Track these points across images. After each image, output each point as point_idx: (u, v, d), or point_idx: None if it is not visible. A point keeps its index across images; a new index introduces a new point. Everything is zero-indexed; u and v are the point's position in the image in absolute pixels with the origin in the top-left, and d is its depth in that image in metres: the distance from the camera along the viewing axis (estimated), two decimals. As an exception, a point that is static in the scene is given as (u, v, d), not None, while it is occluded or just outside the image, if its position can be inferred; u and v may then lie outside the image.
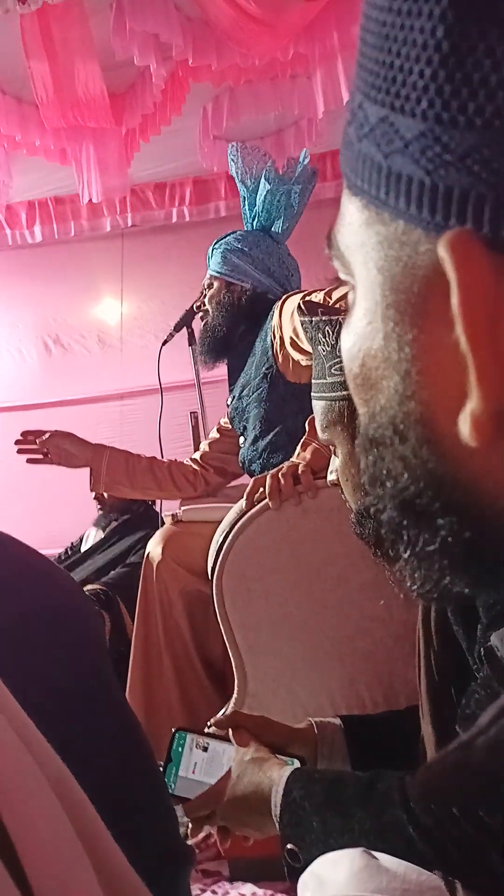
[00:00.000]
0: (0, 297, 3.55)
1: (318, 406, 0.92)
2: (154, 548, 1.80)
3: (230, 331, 1.94)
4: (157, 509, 2.44)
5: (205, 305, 2.00)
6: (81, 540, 2.76)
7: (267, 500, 1.37)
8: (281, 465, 1.44)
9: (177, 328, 2.21)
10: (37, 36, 2.03)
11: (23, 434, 1.97)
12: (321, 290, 1.54)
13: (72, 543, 2.81)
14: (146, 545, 1.87)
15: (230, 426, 2.05)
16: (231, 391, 2.01)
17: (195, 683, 1.75)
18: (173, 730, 1.01)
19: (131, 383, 3.38)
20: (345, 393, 0.85)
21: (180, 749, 0.99)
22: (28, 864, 0.30)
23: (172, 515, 1.90)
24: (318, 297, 1.47)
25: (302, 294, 1.71)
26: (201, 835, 1.20)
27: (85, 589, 2.19)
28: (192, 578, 1.75)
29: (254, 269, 1.92)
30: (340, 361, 0.85)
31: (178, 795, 0.95)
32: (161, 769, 0.97)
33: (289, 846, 0.79)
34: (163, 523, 1.96)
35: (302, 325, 0.97)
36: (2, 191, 2.91)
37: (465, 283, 0.26)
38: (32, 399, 3.52)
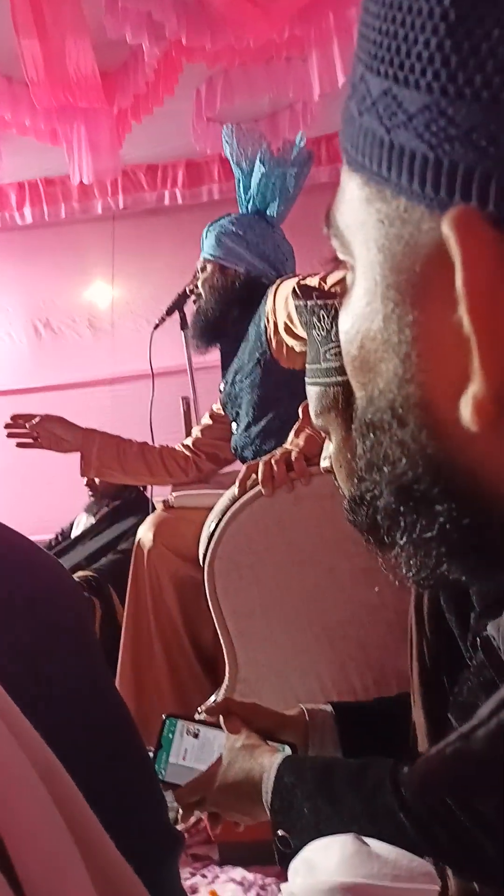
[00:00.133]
0: (-11, 280, 3.52)
1: (312, 392, 0.91)
2: (145, 534, 1.80)
3: (223, 315, 1.92)
4: (148, 495, 2.43)
5: (197, 289, 1.98)
6: (72, 525, 2.75)
7: (259, 486, 1.37)
8: (274, 452, 1.43)
9: (169, 312, 2.20)
10: (27, 13, 1.99)
11: (13, 418, 1.96)
12: (316, 274, 1.53)
13: (62, 529, 2.80)
14: (137, 532, 1.86)
15: (222, 412, 2.04)
16: (224, 377, 2.00)
17: (186, 669, 1.76)
18: (164, 716, 1.01)
19: (122, 368, 3.36)
20: (339, 378, 0.84)
21: (171, 735, 0.99)
22: (15, 853, 0.30)
23: (164, 501, 1.90)
24: (313, 282, 1.45)
25: (296, 278, 1.70)
26: (192, 820, 1.20)
27: (76, 575, 2.18)
28: (184, 564, 1.75)
29: (248, 253, 1.90)
30: (335, 346, 0.84)
31: (169, 782, 0.95)
32: (151, 755, 0.97)
33: (280, 832, 0.79)
34: (154, 509, 1.95)
35: (296, 309, 0.96)
36: (-9, 172, 2.87)
37: (470, 262, 0.25)
38: (22, 383, 3.50)
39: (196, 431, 2.12)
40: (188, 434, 2.24)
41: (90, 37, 2.07)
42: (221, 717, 0.97)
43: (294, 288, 0.96)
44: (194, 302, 2.03)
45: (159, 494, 2.13)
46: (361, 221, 0.30)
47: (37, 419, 1.94)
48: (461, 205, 0.25)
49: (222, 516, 1.40)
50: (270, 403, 1.80)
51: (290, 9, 2.10)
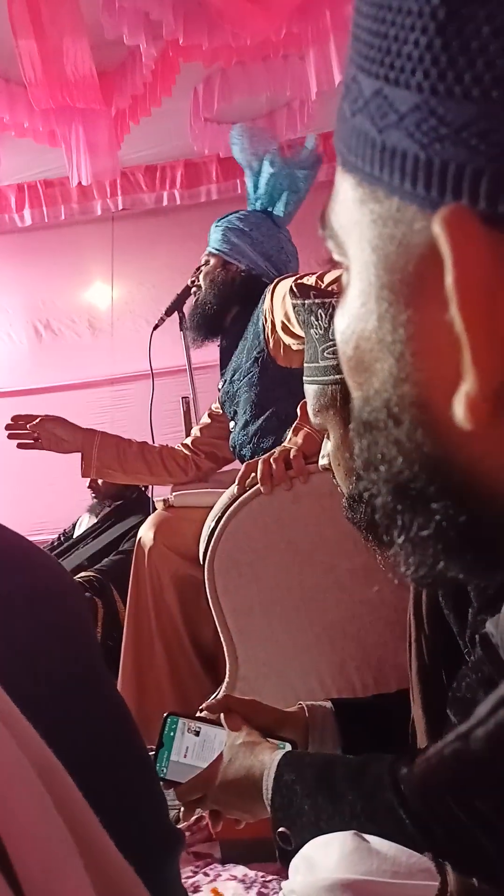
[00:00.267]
0: (-11, 282, 3.51)
1: (310, 390, 0.91)
2: (146, 533, 1.80)
3: (220, 309, 1.93)
4: (149, 495, 2.44)
5: (198, 281, 1.98)
6: (74, 526, 2.76)
7: (258, 484, 1.37)
8: (272, 450, 1.44)
9: (168, 312, 2.20)
10: (24, 13, 1.99)
11: (13, 419, 1.95)
12: (313, 273, 1.53)
13: (64, 530, 2.80)
14: (138, 531, 1.87)
15: (221, 411, 2.05)
16: (222, 375, 2.00)
17: (187, 668, 1.76)
18: (165, 714, 1.01)
19: (122, 368, 3.36)
20: (337, 377, 0.85)
21: (172, 733, 0.99)
22: (14, 853, 0.30)
23: (164, 500, 1.90)
24: (310, 281, 1.46)
25: (294, 277, 1.70)
26: (193, 818, 1.20)
27: (78, 576, 2.19)
28: (184, 563, 1.75)
29: (251, 251, 1.90)
30: (333, 345, 0.84)
31: (170, 779, 0.95)
32: (153, 754, 0.97)
33: (280, 829, 0.79)
34: (154, 509, 1.96)
35: (294, 308, 0.96)
36: (-10, 173, 2.88)
37: (460, 261, 0.25)
38: (22, 384, 3.50)
39: (195, 431, 2.13)
40: (188, 434, 2.24)
41: (88, 37, 2.07)
42: (222, 715, 0.97)
43: (291, 287, 0.96)
44: (194, 294, 2.03)
45: (160, 494, 2.13)
46: (355, 222, 0.30)
47: (37, 420, 1.94)
48: (452, 203, 0.25)
49: (222, 515, 1.40)
50: (268, 401, 1.80)
51: (287, 6, 2.10)
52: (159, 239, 3.37)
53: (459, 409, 0.27)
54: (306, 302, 0.89)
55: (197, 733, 0.99)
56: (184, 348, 2.34)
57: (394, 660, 1.29)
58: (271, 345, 1.78)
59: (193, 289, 2.03)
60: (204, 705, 1.02)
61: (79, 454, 1.98)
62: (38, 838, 0.32)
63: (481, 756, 0.29)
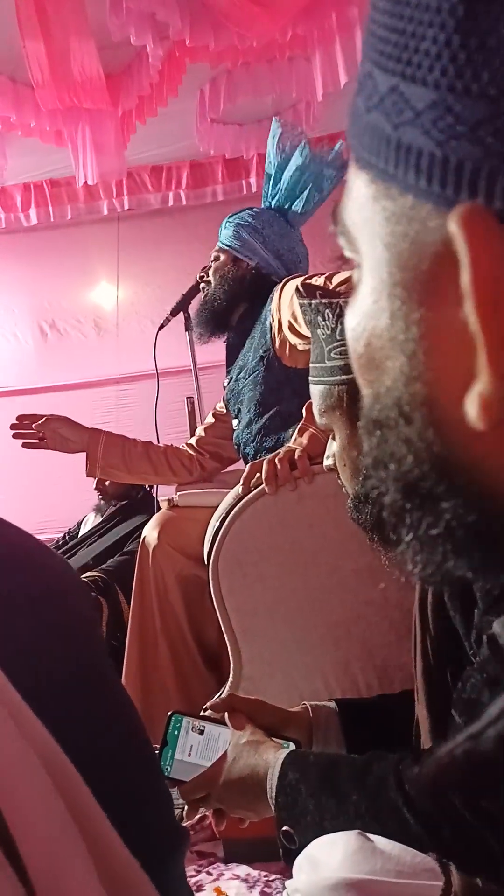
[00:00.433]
0: (-5, 282, 3.52)
1: (316, 391, 0.91)
2: (150, 532, 1.80)
3: (229, 305, 1.92)
4: (154, 494, 2.44)
5: (207, 276, 1.97)
6: (79, 525, 2.76)
7: (263, 485, 1.37)
8: (278, 451, 1.44)
9: (173, 312, 2.20)
10: (32, 15, 2.00)
11: (18, 418, 1.95)
12: (322, 274, 1.53)
13: (69, 529, 2.81)
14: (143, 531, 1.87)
15: (225, 411, 2.05)
16: (228, 373, 2.00)
17: (191, 667, 1.76)
18: (169, 713, 1.01)
19: (127, 368, 3.37)
20: (344, 377, 0.85)
21: (176, 732, 0.99)
22: (22, 845, 0.30)
23: (169, 500, 1.90)
24: (318, 281, 1.45)
25: (302, 278, 1.70)
26: (196, 817, 1.21)
27: (83, 576, 2.19)
28: (189, 563, 1.75)
29: (262, 249, 1.89)
30: (340, 345, 0.84)
31: (174, 778, 0.96)
32: (157, 752, 0.97)
33: (284, 828, 0.79)
34: (159, 508, 1.96)
35: (301, 307, 0.96)
36: (-3, 173, 2.88)
37: (477, 259, 0.25)
38: (28, 384, 3.51)
39: (199, 431, 2.13)
40: (192, 434, 2.24)
41: (94, 38, 2.08)
42: (226, 714, 0.97)
43: (298, 286, 0.96)
44: (202, 290, 2.02)
45: (164, 494, 2.14)
46: (368, 219, 0.30)
47: (42, 419, 1.94)
48: (468, 202, 0.25)
49: (227, 515, 1.40)
50: (272, 400, 1.80)
51: (293, 8, 2.10)
52: (165, 239, 3.38)
53: (472, 409, 0.27)
54: (313, 302, 0.89)
55: (201, 732, 0.99)
56: (189, 348, 2.34)
57: (398, 660, 1.29)
58: (277, 344, 1.78)
59: (202, 285, 2.02)
60: (208, 704, 1.02)
61: (84, 454, 1.98)
62: (47, 832, 0.32)
63: (493, 756, 0.29)
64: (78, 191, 3.16)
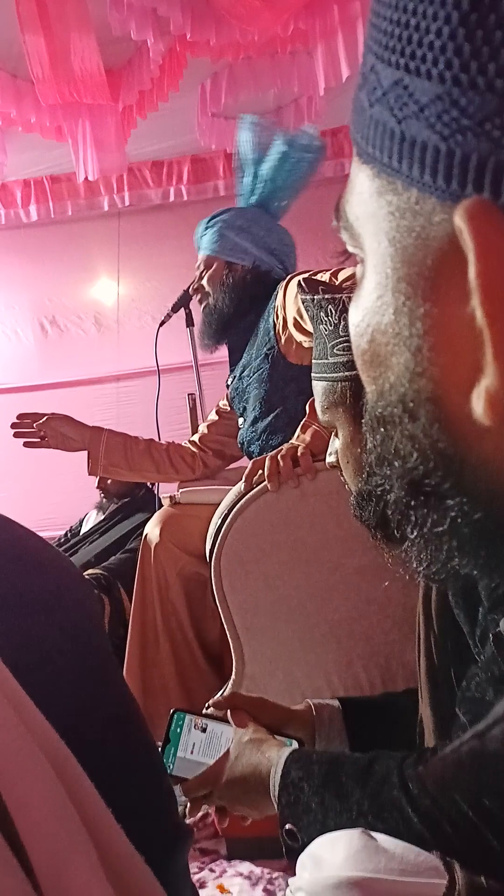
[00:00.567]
0: (-4, 278, 3.52)
1: (318, 387, 0.90)
2: (152, 530, 1.80)
3: (237, 311, 1.88)
4: (156, 492, 2.44)
5: (203, 288, 1.94)
6: (81, 522, 2.76)
7: (266, 482, 1.37)
8: (280, 448, 1.43)
9: (174, 309, 2.19)
10: (32, 9, 1.99)
11: (19, 417, 1.94)
12: (327, 270, 1.52)
13: (71, 527, 2.81)
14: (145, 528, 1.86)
15: (229, 408, 2.04)
16: (231, 371, 1.99)
17: (192, 665, 1.76)
18: (172, 710, 1.01)
19: (128, 365, 3.37)
20: (347, 374, 0.84)
21: (179, 730, 0.99)
22: (27, 839, 0.30)
23: (171, 497, 1.90)
24: (324, 278, 1.44)
25: (308, 274, 1.69)
26: (199, 814, 1.21)
27: (85, 573, 2.19)
28: (190, 560, 1.75)
29: (254, 247, 1.88)
30: (343, 341, 0.83)
31: (177, 775, 0.95)
32: (159, 750, 0.97)
33: (287, 826, 0.79)
34: (161, 505, 1.95)
35: (303, 303, 0.96)
36: (-3, 169, 2.87)
37: (484, 254, 0.25)
38: (28, 381, 3.50)
39: (202, 428, 2.12)
40: (194, 430, 2.23)
41: (95, 33, 2.07)
42: (229, 712, 0.97)
43: (300, 282, 0.95)
44: (200, 301, 1.98)
45: (166, 491, 2.13)
46: (372, 213, 0.30)
47: (43, 418, 1.93)
48: (474, 196, 0.25)
49: (229, 512, 1.40)
50: (278, 399, 1.80)
51: (295, 2, 2.09)
52: (166, 235, 3.37)
53: (479, 405, 0.26)
54: (315, 297, 0.89)
55: (204, 730, 0.99)
56: (190, 344, 2.34)
57: (401, 658, 1.29)
58: (282, 341, 1.77)
59: (198, 296, 1.98)
60: (210, 702, 1.02)
61: (84, 452, 1.97)
62: (53, 827, 0.32)
63: (498, 755, 0.29)
64: (78, 186, 3.16)
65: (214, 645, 1.77)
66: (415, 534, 0.34)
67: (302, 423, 1.50)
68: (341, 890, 0.69)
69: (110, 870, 0.34)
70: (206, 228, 1.92)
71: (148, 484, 2.53)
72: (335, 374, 0.86)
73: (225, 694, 1.03)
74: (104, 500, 2.68)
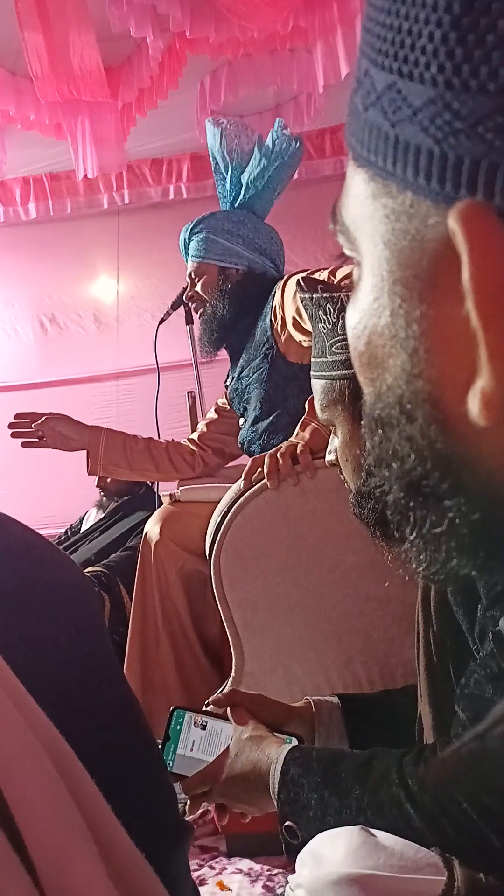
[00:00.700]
0: (-5, 276, 3.52)
1: (317, 385, 0.91)
2: (152, 528, 1.80)
3: (237, 316, 1.87)
4: (155, 490, 2.44)
5: (198, 295, 1.91)
6: (81, 521, 2.77)
7: (265, 480, 1.37)
8: (279, 446, 1.43)
9: (174, 307, 2.19)
10: (31, 7, 1.99)
11: (17, 416, 1.92)
12: (325, 268, 1.51)
13: (71, 525, 2.81)
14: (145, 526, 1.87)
15: (228, 407, 2.04)
16: (230, 372, 1.99)
17: (192, 663, 1.76)
18: (172, 708, 1.01)
19: (128, 363, 3.36)
20: (345, 372, 0.84)
21: (178, 727, 1.00)
22: (27, 834, 0.30)
23: (170, 495, 1.90)
24: (322, 276, 1.44)
25: (306, 273, 1.69)
26: (199, 811, 1.21)
27: (86, 571, 2.19)
28: (190, 558, 1.75)
29: (245, 250, 1.86)
30: (341, 340, 0.84)
31: (177, 773, 0.96)
32: (160, 747, 0.98)
33: (287, 823, 0.79)
34: (161, 503, 1.96)
35: (302, 301, 0.96)
36: (-4, 167, 2.87)
37: (477, 256, 0.25)
38: (28, 379, 3.50)
39: (201, 426, 2.12)
40: (193, 428, 2.23)
41: (94, 30, 2.07)
42: (228, 709, 0.98)
43: (299, 280, 0.95)
44: (195, 309, 1.96)
45: (166, 489, 2.14)
46: (367, 216, 0.30)
47: (42, 418, 1.92)
48: (467, 198, 0.25)
49: (228, 510, 1.40)
50: (278, 398, 1.80)
51: None
52: (165, 232, 3.35)
53: (474, 406, 0.27)
54: (314, 296, 0.89)
55: (203, 727, 0.99)
56: (189, 342, 2.34)
57: (400, 655, 1.29)
58: (282, 341, 1.77)
59: (193, 304, 1.96)
60: (210, 699, 1.02)
61: (84, 451, 1.97)
62: (53, 823, 0.32)
63: (499, 754, 0.29)
64: (78, 184, 3.15)
65: (214, 642, 1.78)
66: (414, 535, 0.34)
67: (301, 420, 1.50)
68: (341, 886, 0.69)
69: (111, 867, 0.34)
70: (192, 234, 1.90)
71: (148, 482, 2.53)
72: (334, 373, 0.86)
73: (225, 691, 1.03)
74: (104, 498, 2.68)
